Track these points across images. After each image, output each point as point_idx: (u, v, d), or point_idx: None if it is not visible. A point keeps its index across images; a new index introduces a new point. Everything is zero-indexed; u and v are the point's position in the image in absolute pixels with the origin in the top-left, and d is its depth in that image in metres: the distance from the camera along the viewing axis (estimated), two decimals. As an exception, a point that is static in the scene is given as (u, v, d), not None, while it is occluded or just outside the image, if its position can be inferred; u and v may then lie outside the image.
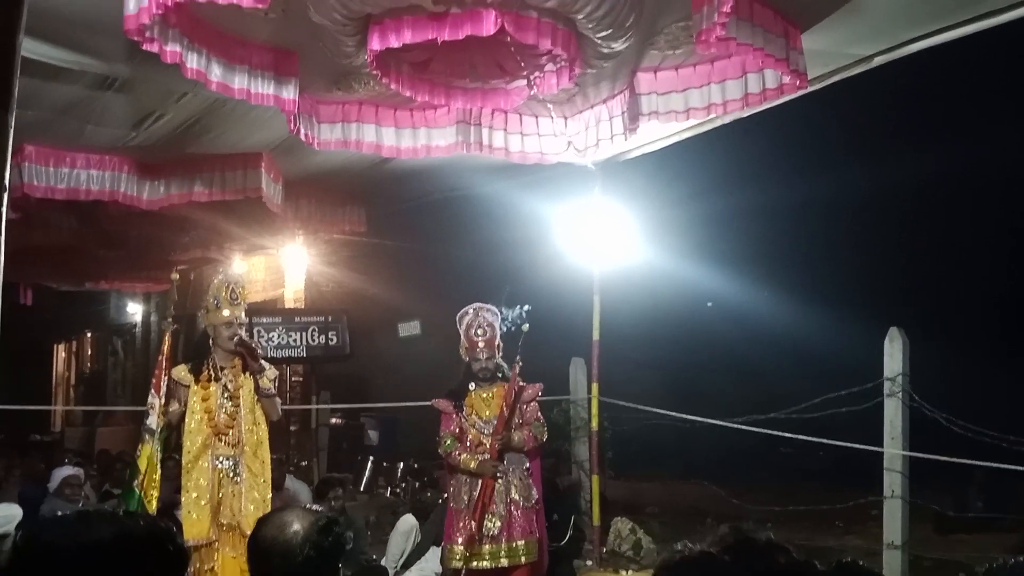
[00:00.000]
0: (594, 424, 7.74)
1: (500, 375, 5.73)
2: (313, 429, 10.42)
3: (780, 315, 12.65)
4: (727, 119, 5.90)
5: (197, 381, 5.29)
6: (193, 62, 4.36)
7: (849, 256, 14.79)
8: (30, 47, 2.01)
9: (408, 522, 7.46)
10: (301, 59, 4.85)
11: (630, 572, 7.34)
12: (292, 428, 11.23)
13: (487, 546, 5.51)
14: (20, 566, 1.62)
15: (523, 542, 5.56)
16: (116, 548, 1.64)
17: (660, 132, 6.50)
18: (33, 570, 1.61)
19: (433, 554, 7.06)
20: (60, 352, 23.14)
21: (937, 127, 13.44)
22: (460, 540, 5.53)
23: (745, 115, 5.66)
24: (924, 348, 6.33)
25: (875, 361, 6.19)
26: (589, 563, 7.51)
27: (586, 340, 7.69)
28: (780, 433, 6.83)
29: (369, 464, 10.75)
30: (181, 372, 5.34)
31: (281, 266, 11.97)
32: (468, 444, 5.64)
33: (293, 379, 11.53)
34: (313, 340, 9.82)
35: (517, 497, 5.59)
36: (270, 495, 5.35)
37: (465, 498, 5.59)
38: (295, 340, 9.67)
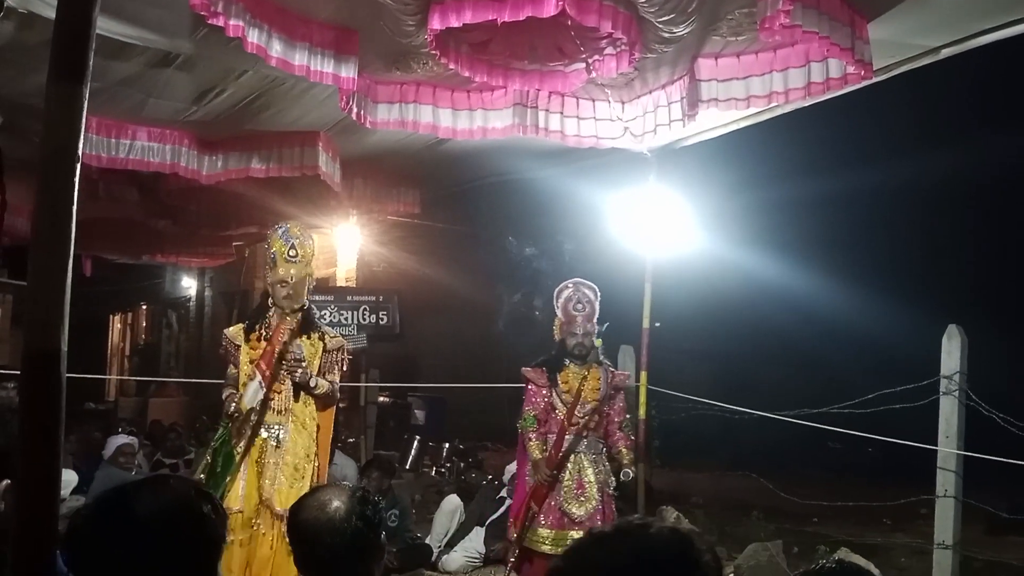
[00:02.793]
0: (642, 412, 7.71)
1: (592, 356, 5.59)
2: (361, 407, 10.50)
3: (836, 308, 12.49)
4: (788, 108, 5.81)
5: (247, 340, 5.09)
6: (255, 37, 4.39)
7: (909, 250, 14.56)
8: (98, 22, 2.06)
9: (453, 502, 7.52)
10: (361, 38, 4.86)
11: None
12: (341, 405, 11.31)
13: (573, 532, 5.25)
14: (90, 532, 1.66)
15: None
16: (166, 516, 1.68)
17: (719, 119, 6.43)
18: (100, 537, 1.65)
19: (477, 534, 7.12)
20: (116, 323, 23.60)
21: (1004, 120, 13.14)
22: (548, 523, 5.36)
23: (807, 104, 5.56)
24: (983, 346, 6.21)
25: (932, 357, 6.08)
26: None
27: (636, 328, 7.65)
28: (832, 428, 6.75)
29: (415, 443, 10.84)
30: (234, 331, 5.18)
31: (334, 245, 12.07)
32: (557, 421, 5.45)
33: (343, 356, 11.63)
34: (364, 319, 9.89)
35: (604, 480, 5.47)
36: (311, 469, 5.08)
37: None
38: (347, 319, 9.75)
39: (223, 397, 5.07)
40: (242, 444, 4.91)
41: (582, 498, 5.39)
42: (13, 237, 8.99)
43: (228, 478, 4.88)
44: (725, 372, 12.98)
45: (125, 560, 1.63)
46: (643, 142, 6.40)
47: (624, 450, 5.59)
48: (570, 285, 5.69)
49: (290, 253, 5.11)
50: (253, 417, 4.92)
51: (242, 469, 4.95)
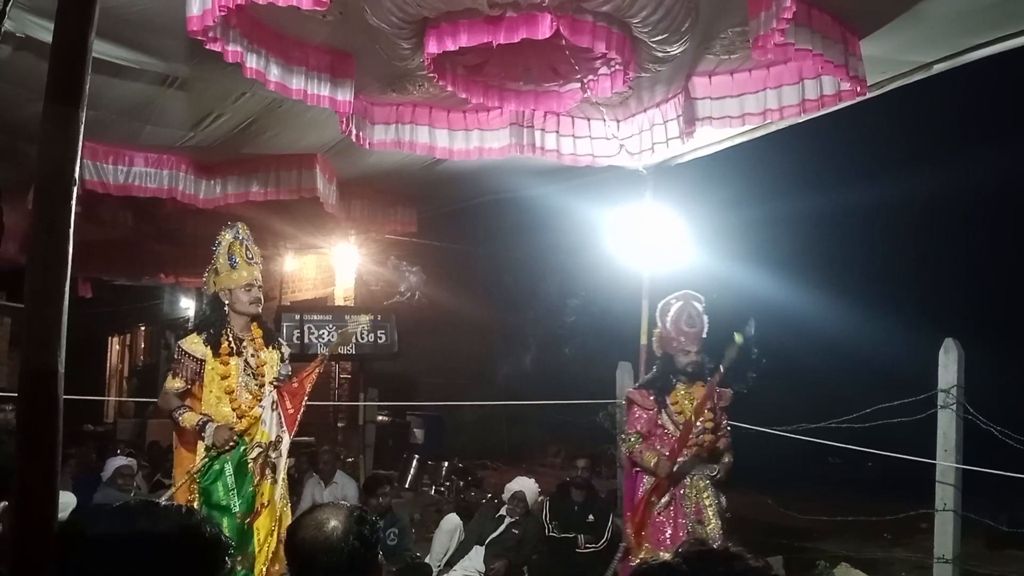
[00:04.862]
0: (640, 428, 7.70)
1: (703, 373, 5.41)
2: (360, 426, 10.50)
3: (833, 323, 12.51)
4: (782, 124, 5.84)
5: (216, 355, 4.73)
6: (253, 62, 4.42)
7: (905, 264, 14.58)
8: (96, 46, 2.06)
9: (452, 521, 7.50)
10: (357, 61, 4.89)
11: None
12: (340, 424, 11.34)
13: None
14: (62, 554, 1.64)
15: None
16: (157, 540, 1.64)
17: (713, 136, 6.46)
18: (75, 559, 1.63)
19: (476, 552, 7.10)
20: (114, 345, 23.55)
21: (998, 135, 13.20)
22: (668, 549, 5.09)
23: (801, 120, 5.58)
24: (980, 359, 6.22)
25: (929, 371, 6.09)
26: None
27: (633, 344, 7.65)
28: (830, 443, 6.75)
29: (414, 462, 10.82)
30: (194, 343, 4.76)
31: (332, 265, 12.09)
32: (670, 442, 5.28)
33: (342, 376, 11.64)
34: (362, 338, 9.88)
35: (722, 505, 5.34)
36: (279, 482, 4.84)
37: (666, 499, 5.27)
38: (346, 338, 9.73)
39: (192, 423, 4.66)
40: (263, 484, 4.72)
41: (700, 523, 5.23)
42: (11, 260, 9.00)
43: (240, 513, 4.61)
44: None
45: None
46: (640, 160, 6.43)
47: (725, 451, 5.45)
48: (680, 299, 5.48)
49: (248, 255, 4.85)
50: (274, 454, 4.71)
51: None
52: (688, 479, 5.32)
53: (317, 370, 4.97)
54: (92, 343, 20.62)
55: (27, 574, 1.83)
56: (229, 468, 4.66)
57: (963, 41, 4.85)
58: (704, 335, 5.43)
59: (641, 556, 5.26)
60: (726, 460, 5.43)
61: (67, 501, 7.28)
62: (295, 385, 4.88)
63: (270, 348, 4.93)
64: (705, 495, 5.32)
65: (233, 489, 4.63)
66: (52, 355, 1.92)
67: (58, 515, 2.00)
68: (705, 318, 5.45)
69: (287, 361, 5.03)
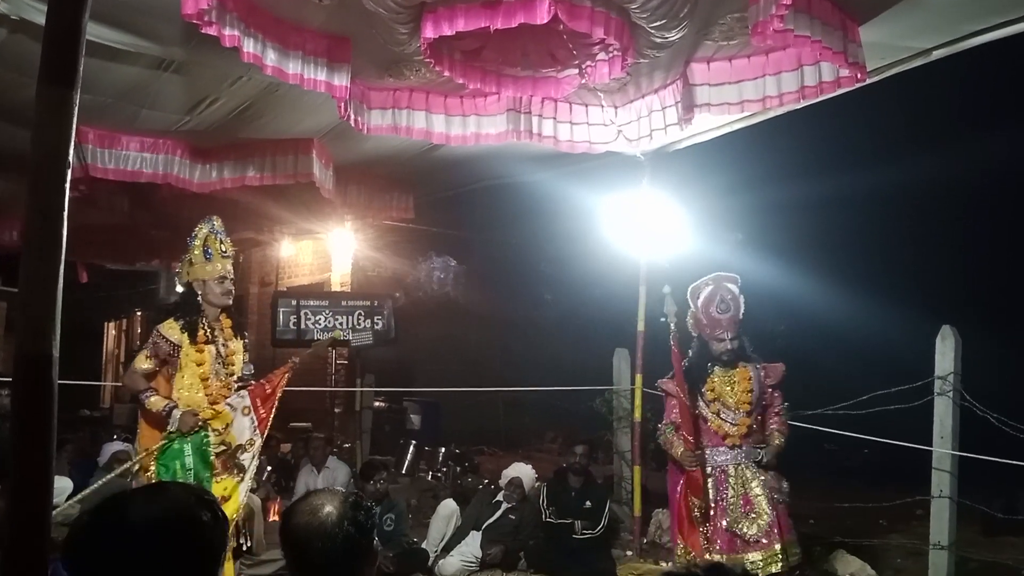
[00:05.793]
0: (637, 415, 7.72)
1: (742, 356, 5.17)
2: (357, 412, 10.49)
3: (830, 309, 12.50)
4: (780, 110, 5.83)
5: (193, 341, 4.84)
6: (250, 47, 4.39)
7: (902, 251, 14.57)
8: (90, 29, 2.06)
9: (449, 507, 7.51)
10: (354, 46, 4.87)
11: (670, 563, 7.31)
12: (336, 410, 11.34)
13: (753, 554, 4.85)
14: (88, 541, 1.66)
15: (792, 539, 4.96)
16: (173, 520, 1.68)
17: (712, 122, 6.45)
18: (97, 545, 1.64)
19: (473, 538, 7.11)
20: (110, 330, 23.52)
21: (997, 121, 13.18)
22: (719, 548, 4.89)
23: (799, 106, 5.57)
24: (977, 347, 6.22)
25: (926, 359, 6.09)
26: (629, 553, 7.51)
27: (631, 330, 7.66)
28: (827, 429, 6.75)
29: (411, 448, 10.83)
30: (172, 328, 4.86)
31: (328, 250, 12.07)
32: (708, 432, 5.12)
33: (338, 362, 11.64)
34: (359, 324, 9.86)
35: (773, 488, 5.05)
36: (247, 481, 4.96)
37: (708, 497, 5.03)
38: (341, 323, 9.69)
39: (159, 408, 4.79)
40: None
41: (752, 515, 4.99)
42: (6, 244, 8.98)
43: None
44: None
45: (125, 568, 1.63)
46: (638, 146, 6.41)
47: (776, 431, 5.21)
48: (710, 283, 5.25)
49: (222, 248, 4.96)
50: (244, 456, 4.86)
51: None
52: (732, 469, 5.10)
53: (287, 375, 5.06)
54: (88, 328, 20.58)
55: (23, 557, 1.83)
56: (188, 449, 4.78)
57: (962, 27, 4.84)
58: (740, 317, 5.19)
59: (678, 554, 5.21)
60: (777, 442, 5.19)
61: (63, 486, 7.30)
62: (268, 390, 4.99)
63: (237, 338, 5.07)
64: (753, 484, 5.05)
65: (190, 470, 4.74)
66: (47, 340, 1.92)
67: (52, 500, 2.00)
68: (741, 299, 5.21)
69: (247, 351, 5.18)
